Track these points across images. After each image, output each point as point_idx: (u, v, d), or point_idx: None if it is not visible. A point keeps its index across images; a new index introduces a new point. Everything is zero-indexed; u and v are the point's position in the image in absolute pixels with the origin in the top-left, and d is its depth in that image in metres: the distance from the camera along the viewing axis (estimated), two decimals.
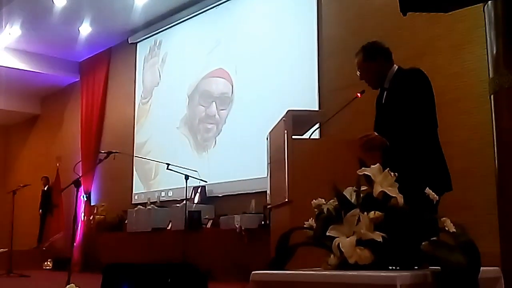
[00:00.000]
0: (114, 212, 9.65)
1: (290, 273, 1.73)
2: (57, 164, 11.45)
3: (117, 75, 10.83)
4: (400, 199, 1.72)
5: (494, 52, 2.08)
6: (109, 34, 10.24)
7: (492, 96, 2.09)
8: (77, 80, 11.95)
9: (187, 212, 6.97)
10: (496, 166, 2.07)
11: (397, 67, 3.26)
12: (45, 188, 11.63)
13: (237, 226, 6.71)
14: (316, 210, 1.86)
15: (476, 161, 4.94)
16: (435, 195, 1.80)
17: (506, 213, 2.02)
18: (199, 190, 8.01)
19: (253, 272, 1.79)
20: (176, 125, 9.13)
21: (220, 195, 7.96)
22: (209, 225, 7.47)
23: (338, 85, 6.37)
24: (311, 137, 4.03)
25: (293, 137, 3.64)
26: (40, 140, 13.42)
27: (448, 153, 3.08)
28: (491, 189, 2.25)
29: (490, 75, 2.10)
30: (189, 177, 6.60)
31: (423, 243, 1.63)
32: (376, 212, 1.67)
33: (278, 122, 3.91)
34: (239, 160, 7.68)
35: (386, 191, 1.72)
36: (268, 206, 4.65)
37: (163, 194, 9.06)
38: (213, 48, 8.61)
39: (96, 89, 11.13)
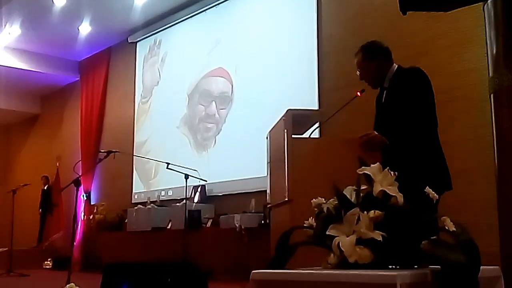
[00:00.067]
0: (114, 212, 9.64)
1: (290, 272, 1.73)
2: (57, 164, 11.45)
3: (117, 75, 10.82)
4: (400, 198, 1.72)
5: (494, 51, 2.08)
6: (108, 33, 10.24)
7: (492, 96, 2.09)
8: (77, 79, 11.94)
9: (187, 211, 6.97)
10: (496, 166, 2.07)
11: (397, 66, 3.26)
12: (45, 188, 11.64)
13: (237, 225, 6.71)
14: (316, 209, 1.86)
15: (476, 161, 4.94)
16: (435, 194, 1.80)
17: (506, 213, 2.01)
18: (199, 190, 8.01)
19: (253, 271, 1.78)
20: (176, 124, 9.13)
21: (220, 194, 7.96)
22: (209, 224, 7.47)
23: (338, 84, 6.37)
24: (311, 136, 4.04)
25: (293, 136, 3.64)
26: (40, 139, 13.42)
27: (448, 153, 3.08)
28: (491, 189, 2.24)
29: (490, 75, 2.09)
30: (189, 177, 6.60)
31: (423, 242, 1.63)
32: (376, 211, 1.67)
33: (278, 121, 3.91)
34: (239, 159, 7.68)
35: (386, 190, 1.72)
36: (268, 206, 4.65)
37: (163, 193, 9.06)
38: (213, 48, 8.61)
39: (96, 88, 11.13)
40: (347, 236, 1.68)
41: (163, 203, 8.67)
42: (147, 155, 9.17)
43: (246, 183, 7.43)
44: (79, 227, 10.01)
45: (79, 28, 9.93)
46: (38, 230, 11.51)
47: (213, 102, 8.48)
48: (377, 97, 3.32)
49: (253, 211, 6.94)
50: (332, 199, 1.82)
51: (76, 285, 4.55)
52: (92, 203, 10.53)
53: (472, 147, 5.05)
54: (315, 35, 6.97)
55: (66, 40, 10.39)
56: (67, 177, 9.25)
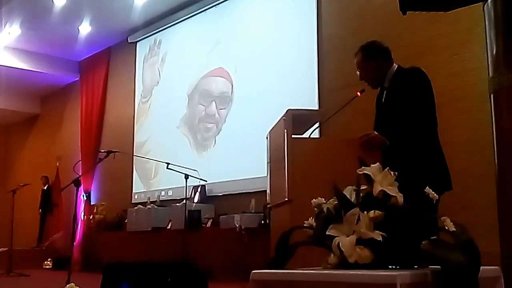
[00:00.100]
0: (114, 212, 9.65)
1: (290, 273, 1.73)
2: (57, 164, 11.45)
3: (117, 75, 10.82)
4: (400, 198, 1.72)
5: (494, 51, 2.08)
6: (108, 33, 10.24)
7: (492, 96, 2.09)
8: (76, 79, 11.94)
9: (187, 211, 6.97)
10: (496, 166, 2.07)
11: (397, 66, 3.26)
12: (45, 188, 11.64)
13: (237, 225, 6.71)
14: (316, 209, 1.86)
15: (476, 161, 4.94)
16: (435, 194, 1.80)
17: (506, 213, 2.01)
18: (199, 190, 8.01)
19: (253, 271, 1.78)
20: (176, 124, 9.13)
21: (220, 195, 7.96)
22: (209, 224, 7.47)
23: (338, 84, 6.37)
24: (311, 136, 4.04)
25: (293, 136, 3.64)
26: (40, 139, 13.42)
27: (448, 153, 3.08)
28: (491, 189, 2.24)
29: (490, 74, 2.09)
30: (189, 177, 6.60)
31: (423, 242, 1.63)
32: (376, 211, 1.67)
33: (278, 121, 3.91)
34: (239, 159, 7.68)
35: (386, 190, 1.72)
36: (268, 206, 4.65)
37: (163, 193, 9.06)
38: (213, 47, 8.61)
39: (96, 88, 11.13)
40: (347, 236, 1.68)
41: (163, 203, 8.67)
42: (147, 155, 9.17)
43: (246, 183, 7.43)
44: (79, 227, 10.01)
45: (79, 28, 9.93)
46: (38, 230, 11.52)
47: (213, 102, 8.48)
48: (377, 97, 3.32)
49: (253, 211, 6.94)
50: (332, 199, 1.82)
51: (76, 285, 4.55)
52: (92, 203, 10.53)
53: (472, 147, 5.05)
54: (315, 35, 6.97)
55: (66, 40, 10.39)
56: (67, 177, 9.24)
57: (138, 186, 9.83)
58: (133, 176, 9.94)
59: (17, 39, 10.35)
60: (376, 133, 3.07)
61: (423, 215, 1.72)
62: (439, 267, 1.56)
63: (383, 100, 3.25)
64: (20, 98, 13.02)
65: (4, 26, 9.79)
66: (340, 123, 4.96)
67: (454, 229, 1.68)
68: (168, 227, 7.93)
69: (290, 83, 7.21)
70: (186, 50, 9.21)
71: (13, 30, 9.97)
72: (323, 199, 1.85)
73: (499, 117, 2.06)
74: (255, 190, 7.01)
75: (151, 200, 8.90)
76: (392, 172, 1.77)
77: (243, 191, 7.46)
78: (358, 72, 3.33)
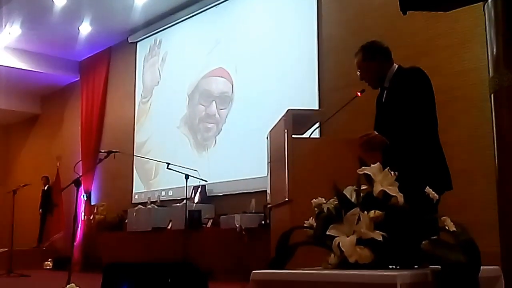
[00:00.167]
0: (114, 212, 9.65)
1: (290, 273, 1.73)
2: (57, 164, 11.44)
3: (117, 75, 10.83)
4: (400, 198, 1.72)
5: (494, 51, 2.07)
6: (109, 33, 10.24)
7: (492, 95, 2.08)
8: (77, 79, 11.94)
9: (187, 211, 6.97)
10: (496, 166, 2.06)
11: (397, 66, 3.26)
12: (45, 188, 11.63)
13: (237, 225, 6.71)
14: (316, 209, 1.86)
15: (476, 161, 4.94)
16: (435, 194, 1.80)
17: (506, 213, 2.01)
18: (199, 190, 8.00)
19: (253, 271, 1.78)
20: (176, 124, 9.13)
21: (220, 195, 7.96)
22: (209, 224, 7.47)
23: (338, 84, 6.37)
24: (311, 136, 4.03)
25: (293, 136, 3.63)
26: (40, 139, 13.42)
27: (448, 153, 3.08)
28: (491, 189, 2.24)
29: (490, 74, 2.09)
30: (189, 177, 6.60)
31: (423, 242, 1.63)
32: (376, 211, 1.67)
33: (278, 121, 3.91)
34: (239, 159, 7.68)
35: (386, 190, 1.72)
36: (268, 206, 4.65)
37: (163, 193, 9.07)
38: (213, 47, 8.61)
39: (96, 88, 11.13)
40: (347, 236, 1.68)
41: (163, 203, 8.68)
42: (147, 155, 9.17)
43: (246, 183, 7.43)
44: (79, 227, 10.01)
45: (79, 28, 9.93)
46: (38, 230, 11.51)
47: (213, 102, 8.48)
48: (377, 97, 3.32)
49: (253, 211, 6.94)
50: (332, 199, 1.82)
51: (76, 286, 4.55)
52: (92, 203, 10.53)
53: (472, 147, 5.05)
54: (315, 35, 6.97)
55: (66, 40, 10.40)
56: (67, 177, 9.24)
57: (138, 186, 9.83)
58: (133, 176, 9.94)
59: (17, 39, 10.35)
60: (376, 133, 3.08)
61: (423, 215, 1.72)
62: (439, 267, 1.56)
63: (383, 100, 3.25)
64: (20, 98, 13.02)
65: (4, 26, 9.79)
66: (340, 123, 4.96)
67: (455, 229, 1.68)
68: (169, 227, 7.93)
69: (290, 83, 7.21)
70: (186, 50, 9.21)
71: (13, 30, 9.97)
72: (323, 199, 1.85)
73: (499, 117, 2.06)
74: (255, 190, 7.02)
75: (151, 200, 8.90)
76: (392, 172, 1.77)
77: (243, 191, 7.46)
78: (358, 72, 3.33)
